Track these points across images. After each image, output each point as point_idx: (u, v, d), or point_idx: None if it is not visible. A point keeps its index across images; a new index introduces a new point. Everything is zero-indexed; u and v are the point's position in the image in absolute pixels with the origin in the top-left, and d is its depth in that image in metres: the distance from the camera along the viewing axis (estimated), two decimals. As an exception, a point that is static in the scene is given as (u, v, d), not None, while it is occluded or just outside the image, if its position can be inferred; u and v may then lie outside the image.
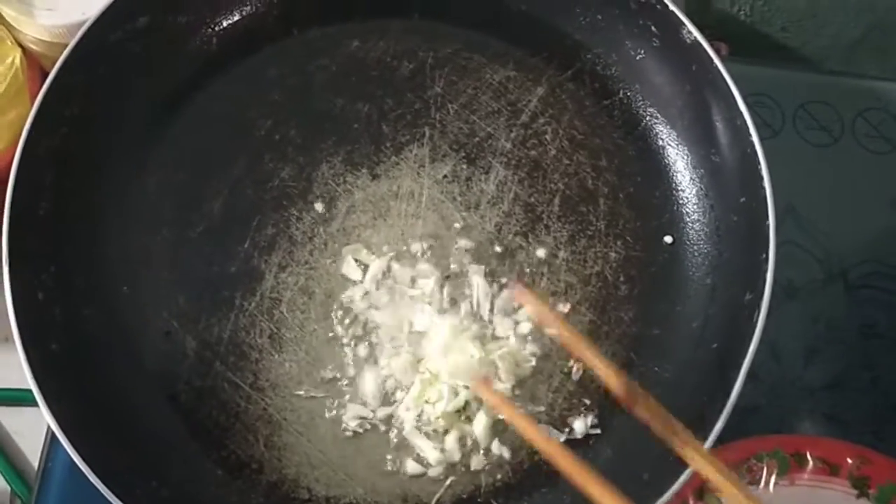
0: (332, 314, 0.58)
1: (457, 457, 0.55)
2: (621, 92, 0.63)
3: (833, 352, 0.67)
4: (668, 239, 0.60)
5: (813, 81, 0.75)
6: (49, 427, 0.59)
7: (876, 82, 0.75)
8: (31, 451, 0.63)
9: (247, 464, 0.54)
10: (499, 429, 0.55)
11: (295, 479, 0.54)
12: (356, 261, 0.58)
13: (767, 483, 0.59)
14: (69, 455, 0.49)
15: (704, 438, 0.50)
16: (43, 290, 0.54)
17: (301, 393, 0.56)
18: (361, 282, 0.58)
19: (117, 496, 0.48)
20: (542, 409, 0.56)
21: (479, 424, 0.55)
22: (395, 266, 0.58)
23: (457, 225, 0.60)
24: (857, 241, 0.70)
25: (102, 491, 0.48)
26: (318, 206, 0.60)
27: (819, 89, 0.74)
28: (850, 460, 0.59)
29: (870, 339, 0.67)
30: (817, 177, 0.72)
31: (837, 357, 0.67)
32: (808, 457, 0.60)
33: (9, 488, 0.62)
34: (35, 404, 0.60)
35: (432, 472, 0.55)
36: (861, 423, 0.65)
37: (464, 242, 0.59)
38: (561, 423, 0.56)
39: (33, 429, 0.62)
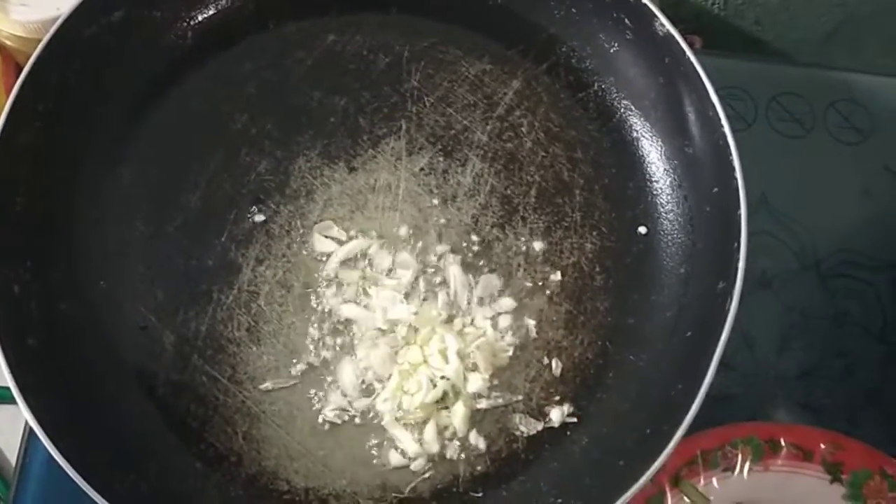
0: (310, 306, 0.58)
1: (435, 448, 0.55)
2: (596, 84, 0.63)
3: (807, 340, 0.68)
4: (642, 230, 0.60)
5: (785, 74, 0.76)
6: (27, 423, 0.59)
7: (847, 74, 0.76)
8: (9, 448, 0.63)
9: (225, 456, 0.54)
10: (476, 419, 0.56)
11: (274, 472, 0.55)
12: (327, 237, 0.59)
13: (742, 469, 0.60)
14: (47, 451, 0.49)
15: (678, 425, 0.51)
16: (19, 284, 0.54)
17: (280, 385, 0.56)
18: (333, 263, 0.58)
19: (96, 490, 0.48)
20: (520, 398, 0.57)
21: (457, 415, 0.55)
22: (373, 254, 0.58)
23: (434, 217, 0.60)
24: (830, 230, 0.71)
25: (81, 485, 0.48)
26: (295, 200, 0.60)
27: (791, 81, 0.75)
28: (823, 446, 0.60)
29: (843, 327, 0.68)
30: (790, 168, 0.73)
31: (811, 345, 0.67)
32: (782, 443, 0.60)
33: (-15, 486, 0.62)
34: (11, 401, 0.60)
35: (414, 466, 0.55)
36: (834, 411, 0.66)
37: (441, 234, 0.60)
38: (538, 413, 0.56)
39: (10, 426, 0.62)
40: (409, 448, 0.55)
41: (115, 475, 0.51)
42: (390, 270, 0.58)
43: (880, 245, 0.70)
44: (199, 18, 0.62)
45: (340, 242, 0.59)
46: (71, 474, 0.48)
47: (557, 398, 0.57)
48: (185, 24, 0.62)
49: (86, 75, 0.58)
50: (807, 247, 0.70)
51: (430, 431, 0.55)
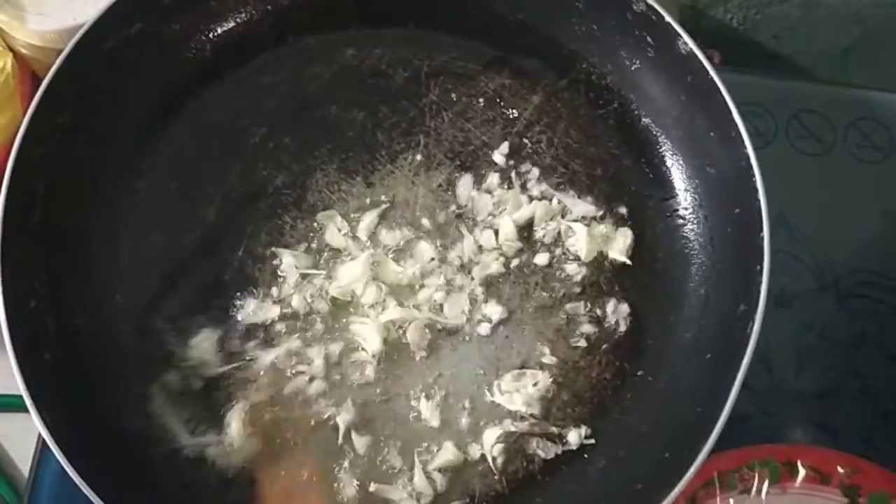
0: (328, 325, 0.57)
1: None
2: (616, 102, 0.63)
3: (824, 361, 0.67)
4: (662, 250, 0.60)
5: (805, 90, 0.75)
6: (39, 437, 0.59)
7: (867, 92, 0.76)
8: (22, 457, 0.63)
9: (241, 475, 0.54)
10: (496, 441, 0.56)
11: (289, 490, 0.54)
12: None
13: (759, 491, 0.59)
14: (59, 464, 0.49)
15: (698, 451, 0.50)
16: (35, 298, 0.54)
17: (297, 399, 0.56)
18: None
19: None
20: (537, 420, 0.56)
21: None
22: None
23: (451, 234, 0.60)
24: (849, 250, 0.70)
25: (93, 499, 0.48)
26: (312, 214, 0.60)
27: (811, 98, 0.75)
28: (840, 469, 0.60)
29: (861, 348, 0.67)
30: (809, 186, 0.72)
31: (829, 366, 0.67)
32: (800, 465, 0.60)
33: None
34: (26, 410, 0.61)
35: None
36: (852, 432, 0.65)
37: (458, 251, 0.59)
38: (556, 436, 0.56)
39: (24, 435, 0.62)
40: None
41: (128, 491, 0.50)
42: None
43: (899, 266, 0.70)
44: (219, 32, 0.62)
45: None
46: (84, 490, 0.48)
47: (575, 420, 0.56)
48: (205, 37, 0.62)
49: (104, 88, 0.58)
50: (825, 266, 0.70)
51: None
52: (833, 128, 0.74)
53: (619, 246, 0.59)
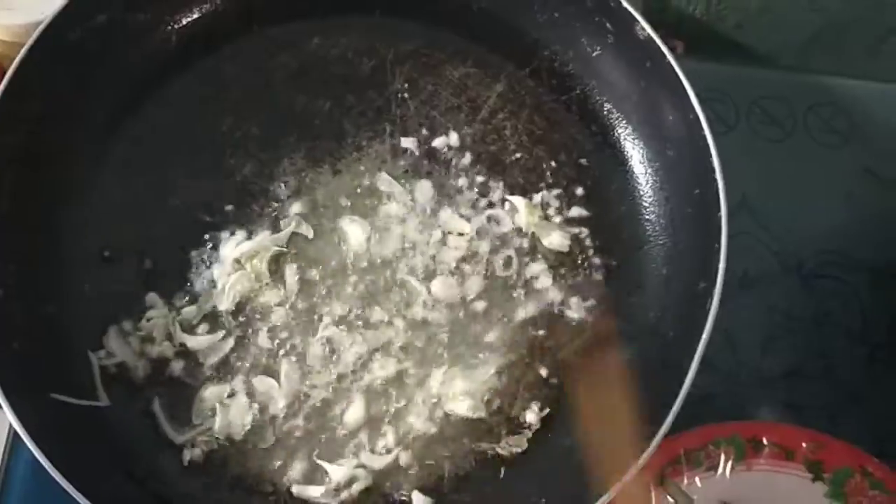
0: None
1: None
2: (578, 88, 0.64)
3: (789, 341, 0.68)
4: (624, 231, 0.61)
5: (766, 77, 0.77)
6: (10, 428, 0.59)
7: (828, 78, 0.77)
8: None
9: (210, 458, 0.54)
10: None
11: (258, 473, 0.55)
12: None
13: (725, 468, 0.60)
14: (31, 455, 0.49)
15: (660, 424, 0.51)
16: (3, 287, 0.54)
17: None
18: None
19: (81, 492, 0.48)
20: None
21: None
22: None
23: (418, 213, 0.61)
24: (812, 232, 0.71)
25: (66, 487, 0.48)
26: (280, 202, 0.60)
27: (772, 85, 0.76)
28: (805, 445, 0.61)
29: (824, 327, 0.68)
30: (771, 171, 0.73)
31: (793, 346, 0.68)
32: (765, 442, 0.61)
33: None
34: None
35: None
36: (816, 410, 0.66)
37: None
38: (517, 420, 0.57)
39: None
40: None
41: (100, 477, 0.51)
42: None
43: (861, 246, 0.71)
44: (184, 22, 0.62)
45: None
46: (56, 477, 0.48)
47: (539, 402, 0.57)
48: (170, 27, 0.62)
49: (70, 78, 0.58)
50: (788, 248, 0.71)
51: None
52: (793, 113, 0.75)
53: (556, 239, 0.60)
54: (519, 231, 0.60)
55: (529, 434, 0.56)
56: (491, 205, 0.61)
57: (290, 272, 0.58)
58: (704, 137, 0.56)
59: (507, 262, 0.60)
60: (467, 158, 0.62)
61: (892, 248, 0.71)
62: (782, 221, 0.72)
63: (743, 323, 0.68)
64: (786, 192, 0.73)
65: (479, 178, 0.62)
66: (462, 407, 0.56)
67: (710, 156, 0.55)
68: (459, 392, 0.56)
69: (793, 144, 0.74)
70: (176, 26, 0.62)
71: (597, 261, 0.60)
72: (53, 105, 0.58)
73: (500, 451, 0.55)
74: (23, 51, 0.56)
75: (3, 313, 0.53)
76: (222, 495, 0.54)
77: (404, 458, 0.55)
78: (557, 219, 0.61)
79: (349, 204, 0.60)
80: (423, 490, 0.55)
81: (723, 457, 0.61)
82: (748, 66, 0.78)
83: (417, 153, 0.62)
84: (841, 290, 0.70)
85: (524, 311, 0.59)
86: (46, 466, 0.49)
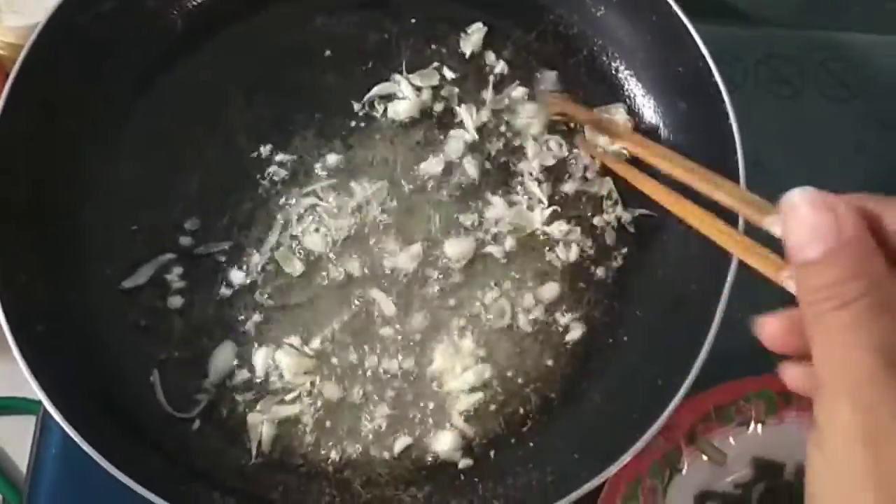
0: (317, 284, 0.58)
1: None
2: (585, 49, 0.64)
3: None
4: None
5: (771, 36, 0.76)
6: (36, 433, 0.59)
7: (834, 33, 0.77)
8: (20, 457, 0.63)
9: (238, 433, 0.54)
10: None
11: (288, 445, 0.54)
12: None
13: (757, 423, 0.60)
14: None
15: (684, 380, 0.51)
16: (27, 273, 0.54)
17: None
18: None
19: (113, 464, 0.47)
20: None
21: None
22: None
23: (431, 188, 0.60)
24: (825, 187, 0.71)
25: (97, 459, 0.48)
26: (294, 178, 0.60)
27: (778, 44, 0.76)
28: (836, 394, 0.60)
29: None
30: (783, 128, 0.73)
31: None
32: (795, 395, 0.60)
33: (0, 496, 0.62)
34: (25, 412, 0.62)
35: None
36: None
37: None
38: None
39: (21, 437, 0.62)
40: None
41: (130, 451, 0.50)
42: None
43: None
44: (189, 5, 0.63)
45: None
46: (87, 450, 0.48)
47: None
48: (176, 10, 0.62)
49: (79, 65, 0.59)
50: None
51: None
52: (801, 70, 0.75)
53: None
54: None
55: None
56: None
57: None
58: (715, 84, 0.56)
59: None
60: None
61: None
62: (796, 177, 0.71)
63: (763, 280, 0.67)
64: (798, 147, 0.72)
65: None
66: None
67: (723, 101, 0.55)
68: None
69: (802, 101, 0.74)
70: (182, 9, 0.62)
71: (616, 217, 0.60)
72: (62, 93, 0.58)
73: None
74: (31, 38, 0.56)
75: (27, 299, 0.53)
76: (253, 465, 0.54)
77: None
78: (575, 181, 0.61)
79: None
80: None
81: (754, 412, 0.60)
82: (751, 28, 0.78)
83: (427, 124, 0.62)
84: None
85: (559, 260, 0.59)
86: (75, 437, 0.48)
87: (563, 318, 0.58)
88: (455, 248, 0.58)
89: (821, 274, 0.34)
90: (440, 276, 0.58)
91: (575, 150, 0.61)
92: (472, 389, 0.56)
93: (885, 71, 0.76)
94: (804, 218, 0.35)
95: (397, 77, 0.62)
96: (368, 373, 0.56)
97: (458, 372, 0.55)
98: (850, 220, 0.34)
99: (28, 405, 0.62)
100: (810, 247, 0.34)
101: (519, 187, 0.61)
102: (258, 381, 0.55)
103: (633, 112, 0.62)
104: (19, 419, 0.63)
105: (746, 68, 0.75)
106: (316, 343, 0.56)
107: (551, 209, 0.60)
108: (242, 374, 0.55)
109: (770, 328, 0.38)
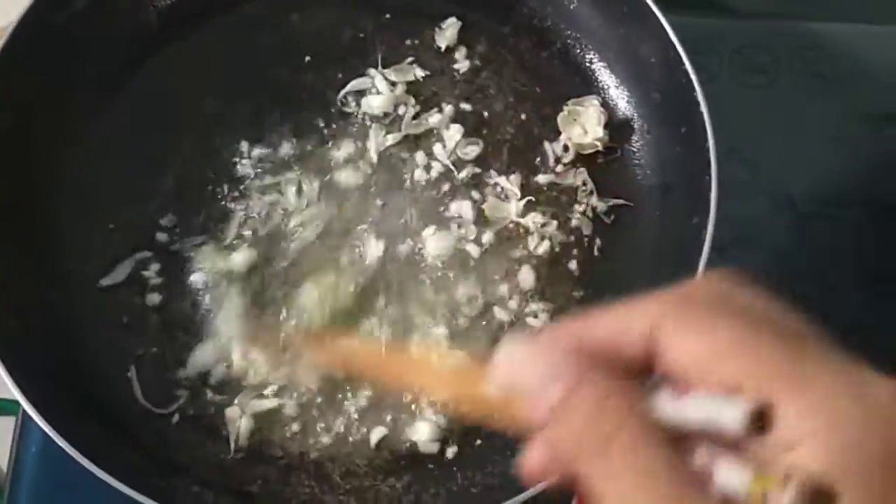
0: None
1: None
2: (559, 41, 0.64)
3: (787, 279, 0.68)
4: (615, 177, 0.61)
5: (746, 26, 0.77)
6: (15, 433, 0.59)
7: (809, 23, 0.77)
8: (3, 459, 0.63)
9: (217, 427, 0.55)
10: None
11: (268, 438, 0.55)
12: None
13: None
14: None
15: None
16: (2, 272, 0.54)
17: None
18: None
19: (91, 460, 0.48)
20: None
21: None
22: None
23: (408, 184, 0.61)
24: (802, 174, 0.71)
25: (75, 455, 0.48)
26: (269, 176, 0.60)
27: (752, 33, 0.76)
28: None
29: (820, 262, 0.69)
30: (758, 118, 0.73)
31: (792, 283, 0.68)
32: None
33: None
34: (1, 412, 0.62)
35: None
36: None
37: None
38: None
39: (0, 437, 0.61)
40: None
41: (109, 447, 0.51)
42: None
43: (853, 186, 0.71)
44: (164, 3, 0.63)
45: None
46: (65, 447, 0.48)
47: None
48: (151, 8, 0.62)
49: (53, 64, 0.59)
50: (781, 190, 0.71)
51: None
52: (776, 59, 0.75)
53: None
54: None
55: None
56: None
57: None
58: (687, 73, 0.56)
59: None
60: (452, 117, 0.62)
61: (886, 183, 0.71)
62: (772, 167, 0.72)
63: (739, 269, 0.68)
64: (775, 137, 0.73)
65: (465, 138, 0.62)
66: None
67: (694, 90, 0.56)
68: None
69: (778, 90, 0.74)
70: (156, 7, 0.63)
71: (591, 206, 0.60)
72: (36, 92, 0.58)
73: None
74: (5, 37, 0.56)
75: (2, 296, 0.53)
76: (233, 459, 0.54)
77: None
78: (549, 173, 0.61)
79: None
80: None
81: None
82: (727, 18, 0.78)
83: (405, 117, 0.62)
84: (836, 227, 0.70)
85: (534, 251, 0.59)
86: (53, 436, 0.48)
87: (538, 308, 0.58)
88: (434, 243, 0.59)
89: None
90: (416, 270, 0.58)
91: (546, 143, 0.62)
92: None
93: (862, 61, 0.76)
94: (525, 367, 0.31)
95: (372, 72, 0.63)
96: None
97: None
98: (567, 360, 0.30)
99: (7, 405, 0.62)
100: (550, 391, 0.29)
101: (492, 182, 0.61)
102: (236, 375, 0.55)
103: (606, 104, 0.62)
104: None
105: (721, 59, 0.75)
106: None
107: (525, 200, 0.60)
108: (220, 369, 0.56)
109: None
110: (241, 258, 0.57)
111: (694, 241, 0.54)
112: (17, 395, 0.49)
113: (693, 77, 0.56)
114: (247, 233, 0.59)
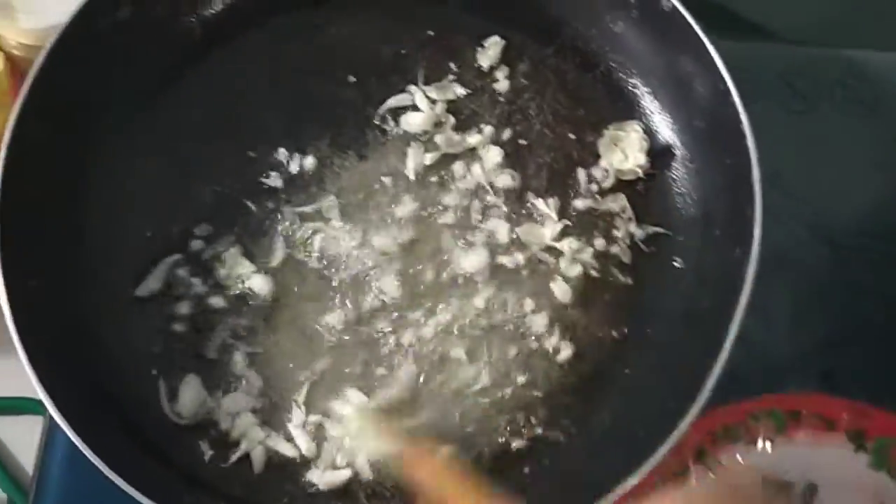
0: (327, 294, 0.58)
1: None
2: (602, 65, 0.63)
3: (823, 313, 0.67)
4: (656, 206, 0.60)
5: (789, 52, 0.76)
6: (43, 435, 0.60)
7: (851, 51, 0.76)
8: (27, 458, 0.63)
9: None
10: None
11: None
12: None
13: (765, 442, 0.60)
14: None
15: (695, 398, 0.51)
16: (36, 278, 0.54)
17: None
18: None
19: (115, 471, 0.48)
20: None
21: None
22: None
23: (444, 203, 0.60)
24: (843, 203, 0.71)
25: (101, 468, 0.48)
26: (307, 190, 0.60)
27: (795, 59, 0.75)
28: (845, 415, 0.60)
29: (859, 298, 0.68)
30: (800, 144, 0.73)
31: (828, 318, 0.67)
32: (804, 414, 0.60)
33: (5, 496, 0.62)
34: (30, 412, 0.62)
35: None
36: (854, 381, 0.65)
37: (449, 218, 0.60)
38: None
39: (28, 437, 0.62)
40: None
41: (133, 458, 0.51)
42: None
43: (893, 215, 0.70)
44: (205, 13, 0.63)
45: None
46: (91, 458, 0.48)
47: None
48: (192, 19, 0.62)
49: (94, 73, 0.59)
50: (820, 220, 0.70)
51: None
52: (818, 87, 0.75)
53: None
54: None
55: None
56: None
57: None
58: (733, 104, 0.55)
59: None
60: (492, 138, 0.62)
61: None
62: (813, 195, 0.71)
63: (776, 297, 0.67)
64: (816, 164, 0.72)
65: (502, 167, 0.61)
66: None
67: (740, 122, 0.55)
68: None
69: (820, 117, 0.74)
70: (197, 18, 0.62)
71: (629, 233, 0.60)
72: (77, 100, 0.58)
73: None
74: (48, 46, 0.56)
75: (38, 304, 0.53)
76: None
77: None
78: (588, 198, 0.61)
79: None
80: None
81: (762, 430, 0.60)
82: (771, 43, 0.77)
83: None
84: (874, 260, 0.69)
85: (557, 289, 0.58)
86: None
87: (575, 335, 0.57)
88: (469, 262, 0.58)
89: None
90: (455, 291, 0.58)
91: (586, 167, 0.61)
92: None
93: (904, 90, 0.75)
94: None
95: (412, 89, 0.62)
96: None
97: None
98: None
99: (34, 406, 0.62)
100: None
101: (528, 204, 0.60)
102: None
103: (648, 130, 0.61)
104: (26, 419, 0.63)
105: (763, 84, 0.74)
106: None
107: (562, 224, 0.59)
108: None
109: None
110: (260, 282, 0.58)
111: (735, 273, 0.53)
112: (46, 402, 0.49)
113: (741, 110, 0.55)
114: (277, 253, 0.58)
